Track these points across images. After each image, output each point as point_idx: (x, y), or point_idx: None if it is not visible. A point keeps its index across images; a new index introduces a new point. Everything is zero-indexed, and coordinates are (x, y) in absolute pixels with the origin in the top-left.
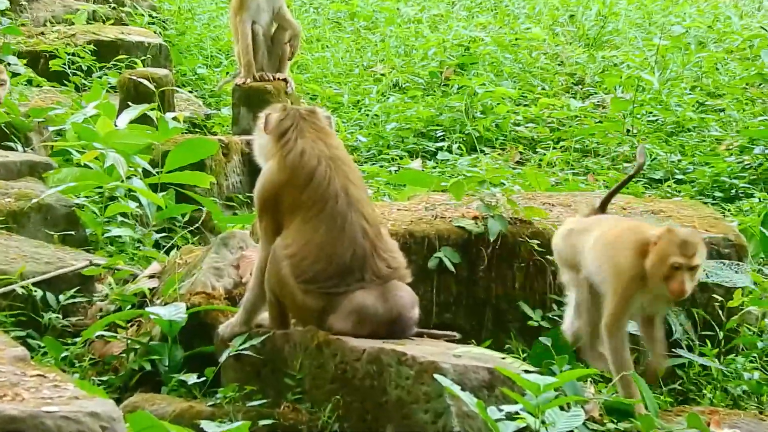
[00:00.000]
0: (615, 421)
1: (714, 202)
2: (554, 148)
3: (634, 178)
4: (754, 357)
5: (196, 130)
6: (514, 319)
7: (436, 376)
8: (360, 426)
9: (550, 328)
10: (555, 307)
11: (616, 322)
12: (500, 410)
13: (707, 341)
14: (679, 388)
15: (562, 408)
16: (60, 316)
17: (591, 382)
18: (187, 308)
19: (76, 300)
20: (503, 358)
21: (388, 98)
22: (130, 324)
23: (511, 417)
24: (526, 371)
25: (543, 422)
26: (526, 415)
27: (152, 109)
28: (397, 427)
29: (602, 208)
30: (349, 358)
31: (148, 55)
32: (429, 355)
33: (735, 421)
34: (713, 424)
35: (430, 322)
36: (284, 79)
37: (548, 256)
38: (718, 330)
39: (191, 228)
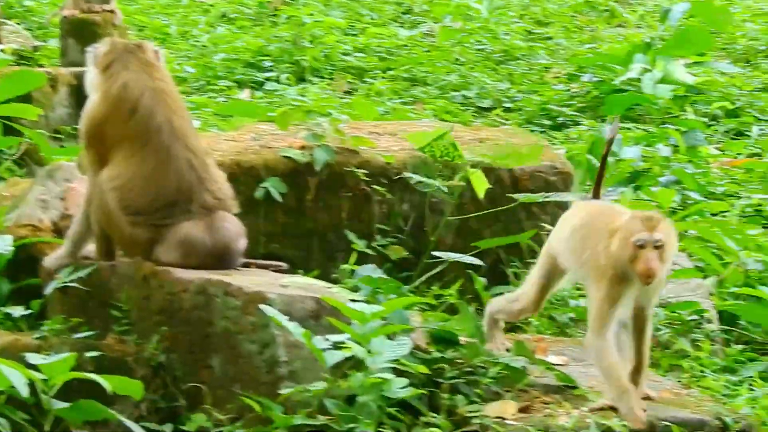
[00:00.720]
0: (441, 350)
1: (542, 130)
2: (383, 77)
3: (606, 156)
4: (580, 284)
5: (24, 62)
6: (341, 249)
7: (261, 306)
8: (187, 357)
9: (376, 256)
10: (380, 237)
11: (601, 323)
12: (327, 340)
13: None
14: None
15: (388, 337)
16: None
17: (418, 311)
18: (13, 241)
19: None
20: (330, 288)
21: (216, 29)
22: None
23: (337, 346)
24: (353, 300)
25: (369, 351)
26: (353, 344)
27: None
28: (223, 358)
29: (596, 194)
30: (176, 290)
31: None
32: (255, 285)
33: (561, 348)
34: (539, 351)
35: (257, 252)
36: (111, 11)
37: (374, 186)
38: None
39: (16, 158)
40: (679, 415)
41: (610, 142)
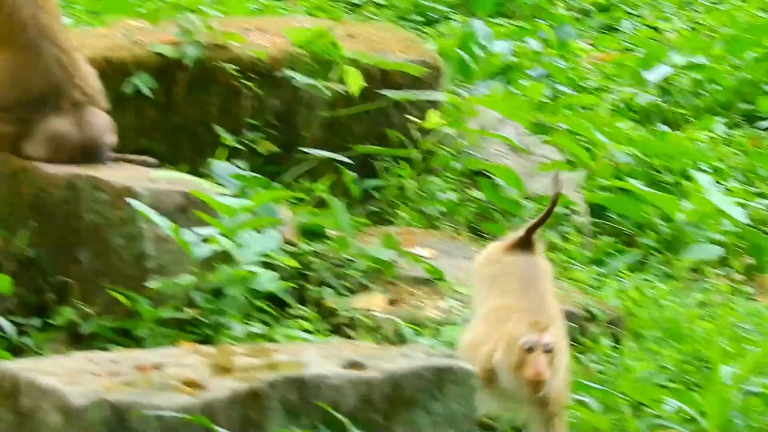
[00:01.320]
0: (309, 243)
1: (414, 26)
2: None
3: (552, 210)
4: (450, 178)
5: None
6: (211, 144)
7: (129, 200)
8: (55, 251)
9: (246, 151)
10: (250, 132)
11: None
12: (194, 233)
13: (403, 162)
14: (376, 209)
15: (256, 230)
16: None
17: (287, 205)
18: None
19: None
20: (198, 182)
21: None
22: None
23: (205, 240)
24: (221, 194)
25: (237, 245)
26: (220, 237)
27: None
28: (91, 252)
29: (526, 240)
30: (44, 184)
31: None
32: (124, 179)
33: (429, 241)
34: (407, 244)
35: (126, 147)
36: None
37: (244, 80)
38: (414, 151)
39: None
40: None
41: (554, 200)
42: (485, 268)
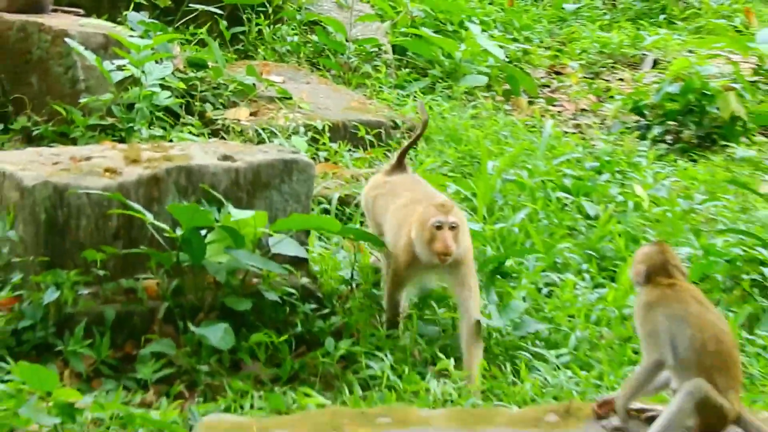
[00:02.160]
0: (195, 71)
1: None
2: None
3: (421, 135)
4: (294, 26)
5: None
6: (123, 0)
7: (66, 39)
8: (13, 77)
9: (149, 5)
10: None
11: (393, 287)
12: (112, 63)
13: (261, 14)
14: (241, 48)
15: (156, 62)
16: None
17: (178, 44)
18: None
19: None
20: (115, 27)
21: None
22: None
23: (120, 68)
24: (131, 36)
25: (143, 72)
26: (131, 67)
27: None
28: (39, 77)
29: (399, 163)
30: (3, 28)
31: None
32: (61, 25)
33: (280, 71)
34: (264, 72)
35: (62, 2)
36: None
37: None
38: (267, 4)
39: None
40: (363, 118)
41: (425, 123)
42: (374, 191)
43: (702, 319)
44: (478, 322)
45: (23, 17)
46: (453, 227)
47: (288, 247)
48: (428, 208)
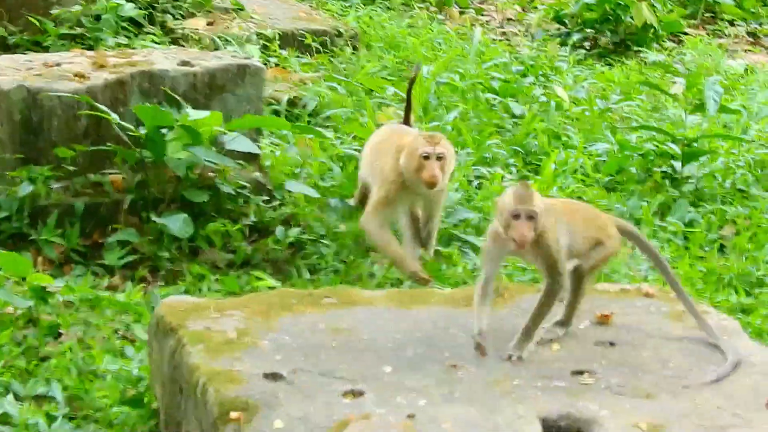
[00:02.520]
0: None
1: None
2: None
3: (411, 90)
4: None
5: None
6: None
7: None
8: None
9: None
10: None
11: (375, 212)
12: None
13: None
14: None
15: None
16: None
17: None
18: None
19: None
20: None
21: None
22: None
23: None
24: None
25: None
26: None
27: None
28: None
29: (406, 121)
30: None
31: None
32: None
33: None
34: None
35: None
36: None
37: None
38: None
39: None
40: (309, 27)
41: (413, 79)
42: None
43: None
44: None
45: None
46: (440, 158)
47: (241, 144)
48: (418, 138)
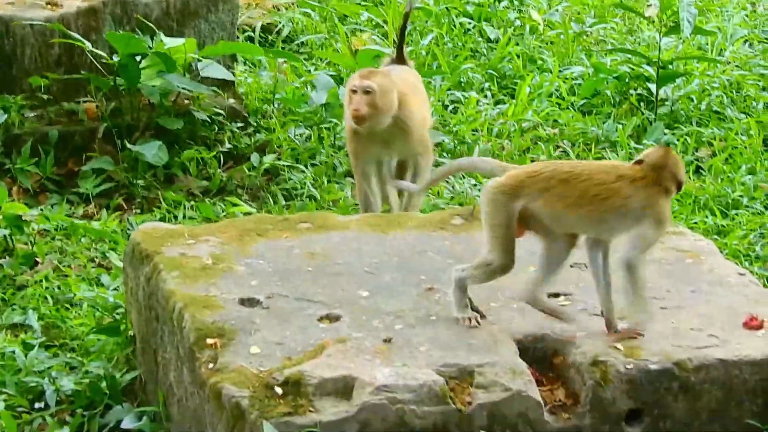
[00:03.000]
0: None
1: None
2: None
3: (408, 18)
4: None
5: None
6: None
7: None
8: None
9: None
10: None
11: (353, 164)
12: None
13: None
14: None
15: None
16: None
17: None
18: None
19: None
20: None
21: None
22: None
23: None
24: None
25: None
26: None
27: None
28: None
29: (400, 56)
30: None
31: None
32: None
33: None
34: None
35: None
36: None
37: None
38: None
39: None
40: None
41: (407, 15)
42: None
43: None
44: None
45: None
46: (367, 92)
47: (215, 71)
48: (353, 74)
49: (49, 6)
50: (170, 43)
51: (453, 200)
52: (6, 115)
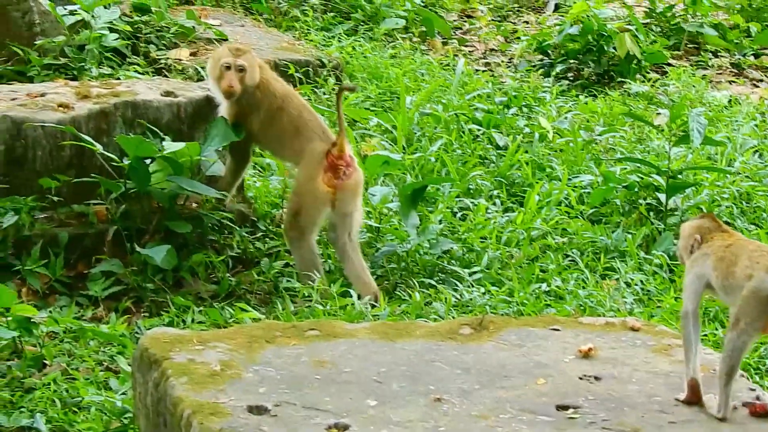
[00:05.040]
0: (140, 15)
1: None
2: None
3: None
4: None
5: None
6: None
7: None
8: None
9: None
10: None
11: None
12: (65, 9)
13: None
14: None
15: (105, 7)
16: None
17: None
18: None
19: None
20: None
21: None
22: None
23: (72, 13)
24: None
25: (92, 16)
26: (82, 11)
27: None
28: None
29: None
30: None
31: None
32: None
33: (217, 15)
34: (203, 16)
35: None
36: None
37: None
38: None
39: None
40: (292, 57)
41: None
42: None
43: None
44: None
45: None
46: (241, 69)
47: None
48: (223, 49)
49: (60, 108)
50: (173, 147)
51: (460, 309)
52: (16, 217)
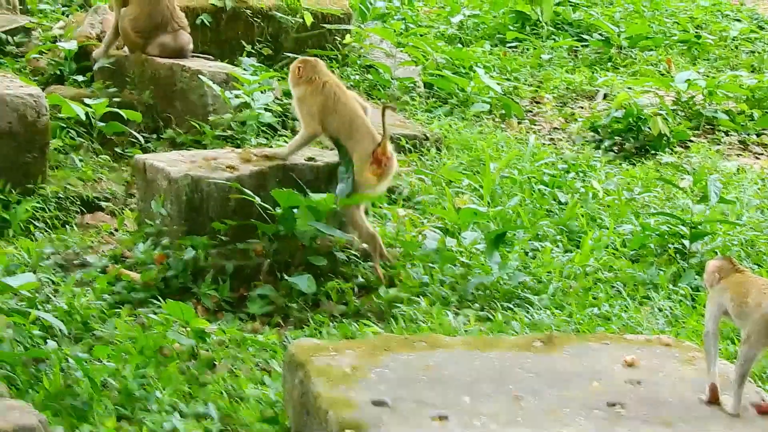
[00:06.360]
0: (288, 98)
1: None
2: None
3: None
4: (356, 68)
5: None
6: (239, 49)
7: (200, 76)
8: (162, 102)
9: (256, 53)
10: (259, 44)
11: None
12: (232, 93)
13: (334, 61)
14: None
15: (263, 92)
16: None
17: (277, 80)
18: (78, 43)
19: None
20: (234, 68)
21: None
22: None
23: (237, 97)
24: (244, 74)
25: (253, 99)
26: (244, 95)
27: None
28: (181, 102)
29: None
30: (158, 68)
31: None
32: (197, 66)
33: None
34: None
35: (198, 50)
36: None
37: (254, 18)
38: (338, 54)
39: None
40: (403, 132)
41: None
42: None
43: None
44: None
45: (171, 61)
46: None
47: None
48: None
49: (228, 169)
50: (315, 197)
51: (531, 326)
52: (194, 252)
